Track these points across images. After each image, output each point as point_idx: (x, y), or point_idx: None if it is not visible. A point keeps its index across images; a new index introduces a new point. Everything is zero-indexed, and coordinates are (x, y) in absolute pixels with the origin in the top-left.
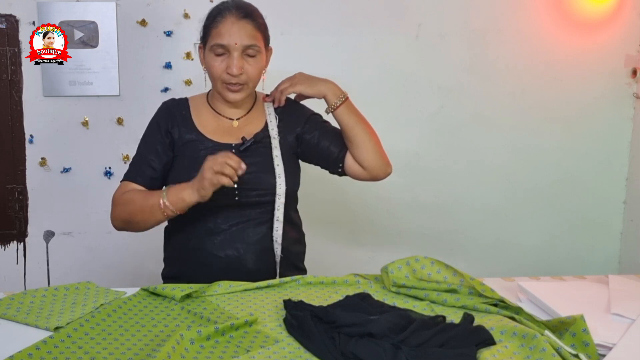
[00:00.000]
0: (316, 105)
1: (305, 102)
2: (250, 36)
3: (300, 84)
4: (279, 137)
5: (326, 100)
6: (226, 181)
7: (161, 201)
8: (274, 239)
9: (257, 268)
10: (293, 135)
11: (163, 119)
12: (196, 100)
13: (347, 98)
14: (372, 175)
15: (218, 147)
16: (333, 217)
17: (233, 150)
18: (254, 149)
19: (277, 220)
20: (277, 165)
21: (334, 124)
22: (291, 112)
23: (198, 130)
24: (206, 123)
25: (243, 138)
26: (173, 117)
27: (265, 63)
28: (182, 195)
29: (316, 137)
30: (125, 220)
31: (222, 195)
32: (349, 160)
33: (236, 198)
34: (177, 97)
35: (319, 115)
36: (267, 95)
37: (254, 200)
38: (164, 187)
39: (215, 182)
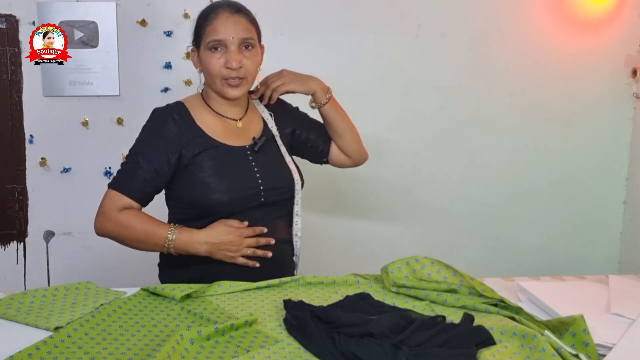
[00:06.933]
0: (299, 100)
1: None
2: (245, 29)
3: (292, 82)
4: (279, 133)
5: (315, 97)
6: (242, 261)
7: (166, 245)
8: (294, 232)
9: (277, 261)
10: (289, 130)
11: (167, 128)
12: (192, 103)
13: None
14: (355, 162)
15: (232, 151)
16: (333, 217)
17: (248, 152)
18: (265, 149)
19: (297, 214)
20: (289, 161)
21: (316, 117)
22: (280, 107)
23: (208, 136)
24: (213, 127)
25: (254, 139)
26: (179, 126)
27: (260, 59)
28: (191, 249)
29: (304, 131)
30: (115, 239)
31: (249, 199)
32: (334, 151)
33: (262, 199)
34: (176, 97)
35: (299, 108)
36: (251, 92)
37: (275, 199)
38: (170, 228)
39: (236, 261)
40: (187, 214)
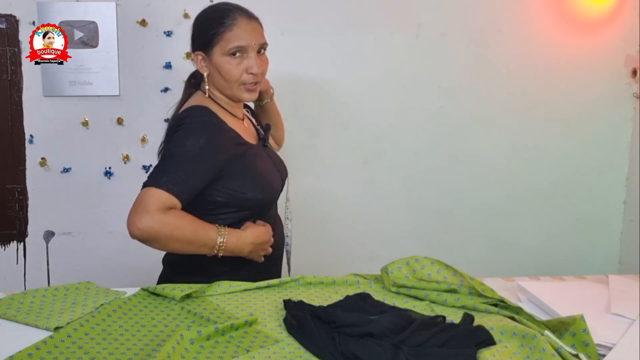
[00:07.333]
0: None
1: None
2: (261, 34)
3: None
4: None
5: (267, 93)
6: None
7: (216, 246)
8: (286, 215)
9: (282, 245)
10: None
11: (211, 132)
12: (213, 107)
13: None
14: (280, 148)
15: (257, 150)
16: (333, 216)
17: (263, 149)
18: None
19: (288, 200)
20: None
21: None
22: (246, 105)
23: (242, 138)
24: (238, 128)
25: (261, 135)
26: (220, 130)
27: None
28: (237, 250)
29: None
30: (158, 241)
31: (278, 193)
32: (269, 140)
33: (281, 190)
34: (176, 97)
35: None
36: None
37: (282, 189)
38: (218, 229)
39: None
40: (227, 219)
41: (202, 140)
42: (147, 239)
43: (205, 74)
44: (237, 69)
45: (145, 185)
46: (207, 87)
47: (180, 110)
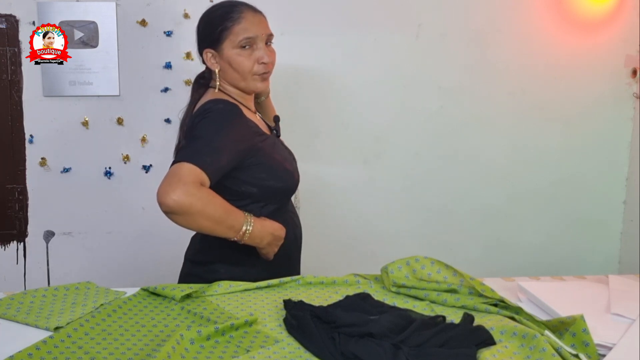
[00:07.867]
0: None
1: None
2: (267, 26)
3: None
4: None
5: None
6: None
7: (243, 230)
8: (296, 205)
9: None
10: None
11: (239, 122)
12: (233, 99)
13: None
14: None
15: (272, 139)
16: (333, 216)
17: (278, 139)
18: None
19: (297, 191)
20: None
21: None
22: None
23: (261, 129)
24: (255, 120)
25: (274, 126)
26: (247, 122)
27: None
28: (257, 239)
29: None
30: (189, 213)
31: (298, 180)
32: None
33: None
34: (176, 97)
35: None
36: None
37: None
38: (248, 217)
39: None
40: (252, 212)
41: (228, 127)
42: (179, 212)
43: (216, 70)
44: (248, 60)
45: (176, 161)
46: (217, 82)
47: (200, 105)
